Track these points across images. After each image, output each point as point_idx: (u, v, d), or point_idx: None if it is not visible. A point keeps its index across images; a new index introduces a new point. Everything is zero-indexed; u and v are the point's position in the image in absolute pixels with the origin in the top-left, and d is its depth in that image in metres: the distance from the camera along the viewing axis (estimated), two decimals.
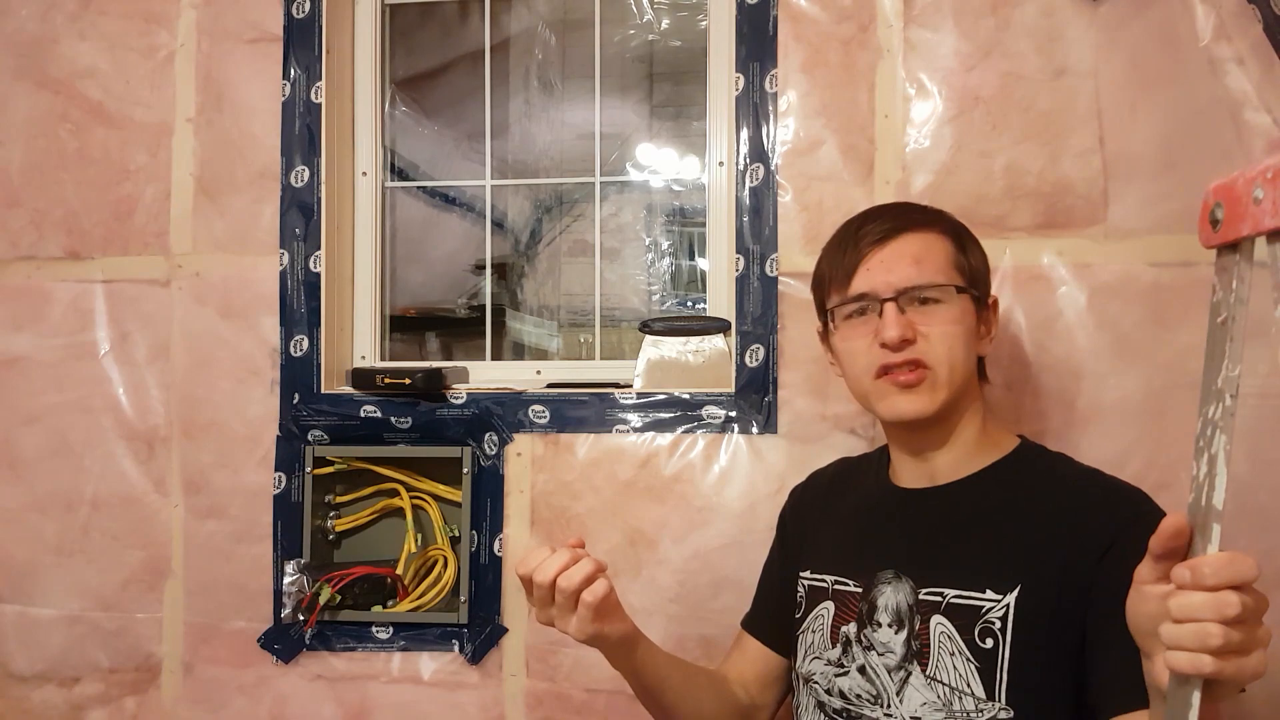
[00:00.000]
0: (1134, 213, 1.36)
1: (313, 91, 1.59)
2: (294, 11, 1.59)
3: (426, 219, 1.91)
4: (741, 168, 1.48)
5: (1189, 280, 1.34)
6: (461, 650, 1.52)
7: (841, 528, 1.13)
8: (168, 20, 1.62)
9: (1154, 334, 1.35)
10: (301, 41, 1.59)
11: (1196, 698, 0.61)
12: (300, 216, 1.58)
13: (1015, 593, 0.93)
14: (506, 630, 1.51)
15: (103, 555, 1.61)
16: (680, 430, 1.48)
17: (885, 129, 1.44)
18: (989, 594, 0.94)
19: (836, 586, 1.07)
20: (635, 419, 1.50)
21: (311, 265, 1.58)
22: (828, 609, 1.07)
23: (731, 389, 1.48)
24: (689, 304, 1.98)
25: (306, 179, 1.59)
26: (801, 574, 1.13)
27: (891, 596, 1.00)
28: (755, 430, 1.46)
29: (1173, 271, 1.35)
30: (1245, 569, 0.60)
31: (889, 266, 1.00)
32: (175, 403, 1.61)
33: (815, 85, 1.46)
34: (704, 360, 1.54)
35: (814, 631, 1.08)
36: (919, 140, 1.43)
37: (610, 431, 1.50)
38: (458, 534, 1.56)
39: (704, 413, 1.48)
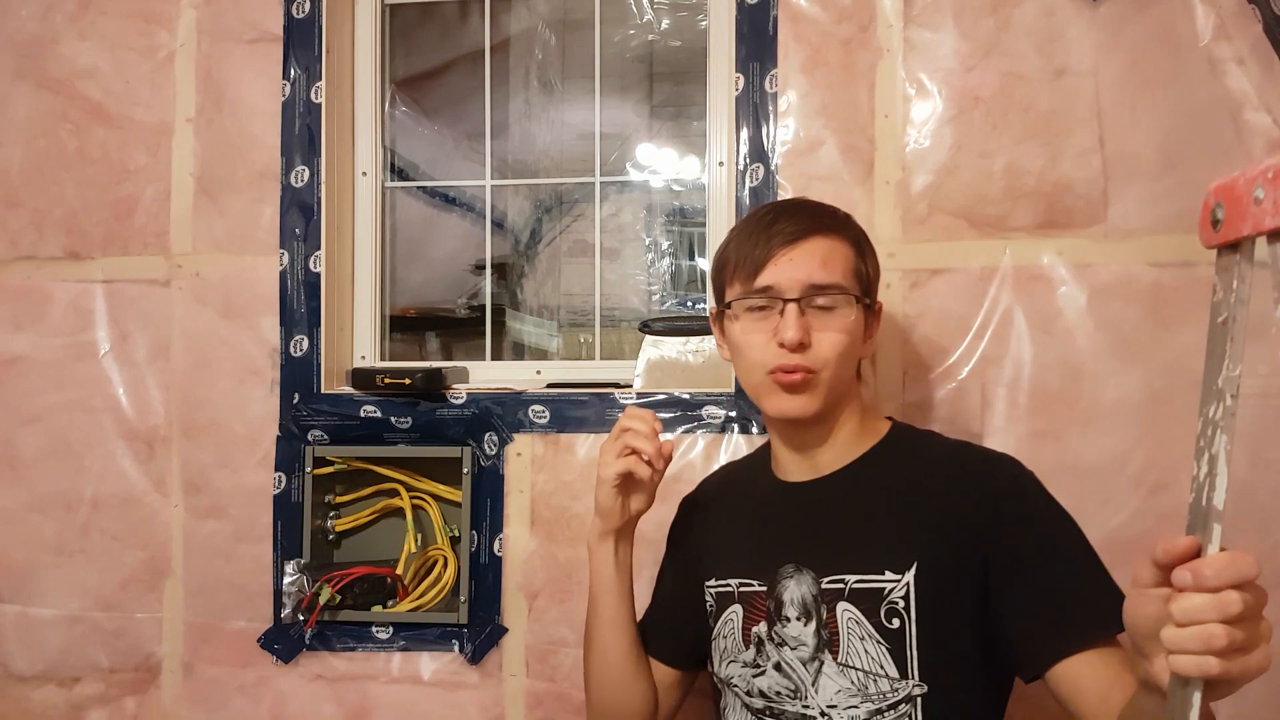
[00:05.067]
0: (1134, 213, 1.37)
1: (313, 91, 1.59)
2: (294, 11, 1.59)
3: (426, 219, 1.91)
4: (741, 168, 1.48)
5: (1189, 280, 1.34)
6: (461, 650, 1.52)
7: (737, 530, 1.15)
8: (168, 20, 1.62)
9: (1154, 334, 1.35)
10: (301, 41, 1.59)
11: (1198, 698, 0.61)
12: (300, 216, 1.58)
13: (913, 570, 0.97)
14: (506, 630, 1.51)
15: (103, 555, 1.61)
16: (680, 430, 1.48)
17: (885, 129, 1.44)
18: (888, 574, 0.97)
19: (742, 589, 1.08)
20: None
21: (311, 265, 1.58)
22: (737, 612, 1.08)
23: (731, 389, 1.48)
24: (689, 304, 1.98)
25: (306, 179, 1.59)
26: (706, 584, 1.14)
27: (796, 590, 1.02)
28: (755, 430, 1.46)
29: (1173, 271, 1.35)
30: (1246, 568, 0.60)
31: (797, 266, 1.03)
32: (175, 403, 1.61)
33: (815, 85, 1.46)
34: (704, 360, 1.54)
35: (725, 637, 1.10)
36: (919, 140, 1.43)
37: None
38: (458, 534, 1.56)
39: (704, 413, 1.48)
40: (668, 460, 1.07)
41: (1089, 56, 1.38)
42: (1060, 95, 1.39)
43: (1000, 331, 1.39)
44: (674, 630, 1.19)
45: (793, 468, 1.11)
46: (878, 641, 0.96)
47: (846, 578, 0.99)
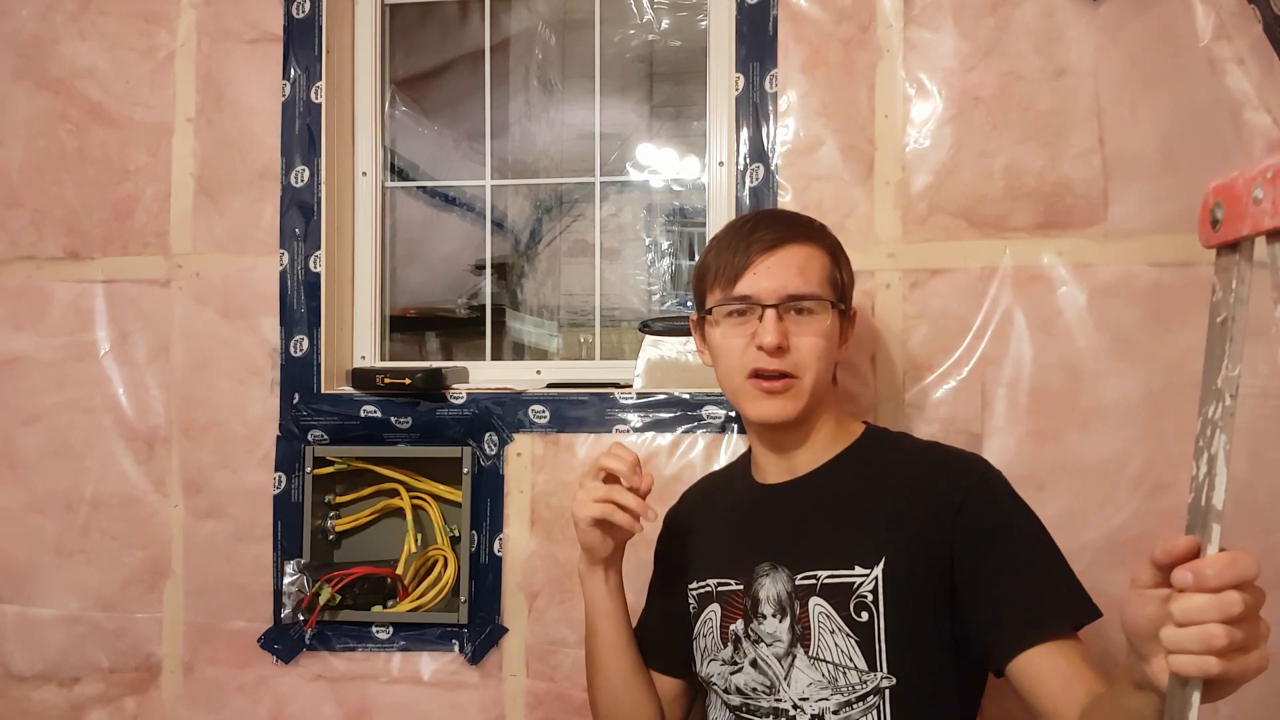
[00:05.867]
0: (1134, 213, 1.36)
1: (313, 91, 1.59)
2: (294, 11, 1.59)
3: (426, 219, 1.92)
4: (741, 168, 1.48)
5: (1189, 280, 1.34)
6: (461, 650, 1.52)
7: (716, 532, 1.17)
8: (168, 20, 1.62)
9: (1154, 334, 1.35)
10: (301, 41, 1.59)
11: (1197, 698, 0.61)
12: (300, 216, 1.58)
13: (881, 565, 0.99)
14: (506, 630, 1.51)
15: (103, 555, 1.61)
16: (680, 430, 1.48)
17: (885, 129, 1.44)
18: (857, 569, 1.00)
19: (720, 588, 1.11)
20: (635, 419, 1.50)
21: (311, 265, 1.58)
22: (715, 611, 1.11)
23: None
24: (689, 304, 1.98)
25: (306, 179, 1.59)
26: (689, 586, 1.16)
27: (771, 587, 1.04)
28: None
29: (1173, 271, 1.35)
30: (1246, 568, 0.60)
31: (774, 274, 1.06)
32: (175, 403, 1.61)
33: (815, 85, 1.46)
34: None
35: (705, 636, 1.12)
36: (919, 140, 1.43)
37: (610, 431, 1.50)
38: (458, 534, 1.56)
39: (704, 413, 1.48)
40: (647, 492, 1.04)
41: (1089, 56, 1.38)
42: (1060, 95, 1.39)
43: (1000, 331, 1.39)
44: (668, 641, 1.20)
45: (771, 470, 1.14)
46: (847, 634, 0.99)
47: (818, 573, 1.01)
